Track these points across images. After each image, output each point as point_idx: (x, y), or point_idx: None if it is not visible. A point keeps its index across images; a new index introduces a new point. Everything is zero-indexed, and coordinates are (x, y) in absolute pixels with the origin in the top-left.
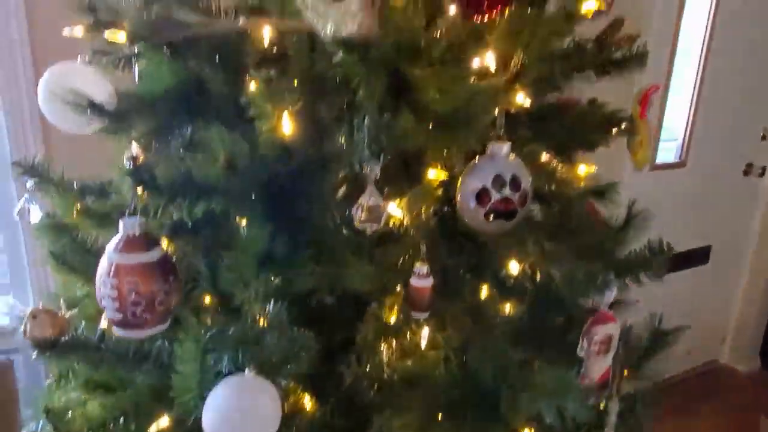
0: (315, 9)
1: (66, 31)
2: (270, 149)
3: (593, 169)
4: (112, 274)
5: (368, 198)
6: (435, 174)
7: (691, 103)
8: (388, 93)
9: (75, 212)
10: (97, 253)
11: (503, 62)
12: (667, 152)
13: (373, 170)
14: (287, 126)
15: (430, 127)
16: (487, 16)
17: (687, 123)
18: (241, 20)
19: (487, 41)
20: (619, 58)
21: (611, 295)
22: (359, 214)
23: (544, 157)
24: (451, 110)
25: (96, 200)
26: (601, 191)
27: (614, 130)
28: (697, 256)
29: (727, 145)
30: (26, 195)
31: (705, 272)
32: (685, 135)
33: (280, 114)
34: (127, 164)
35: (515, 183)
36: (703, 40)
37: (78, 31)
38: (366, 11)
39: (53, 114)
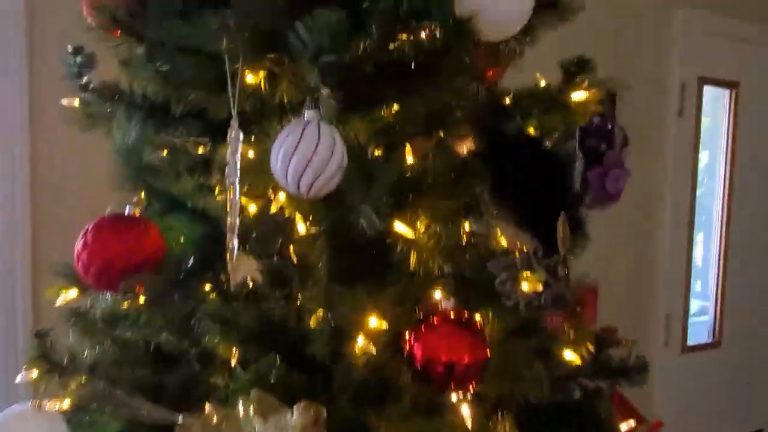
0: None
1: (20, 377)
2: None
3: None
4: None
5: None
6: None
7: (717, 283)
8: None
9: None
10: None
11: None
12: (699, 326)
13: None
14: None
15: None
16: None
17: (716, 302)
18: (180, 417)
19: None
20: (617, 366)
21: None
22: None
23: None
24: None
25: None
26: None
27: None
28: None
29: (764, 319)
30: None
31: None
32: (715, 314)
33: None
34: None
35: None
36: (722, 214)
37: (34, 374)
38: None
39: None
